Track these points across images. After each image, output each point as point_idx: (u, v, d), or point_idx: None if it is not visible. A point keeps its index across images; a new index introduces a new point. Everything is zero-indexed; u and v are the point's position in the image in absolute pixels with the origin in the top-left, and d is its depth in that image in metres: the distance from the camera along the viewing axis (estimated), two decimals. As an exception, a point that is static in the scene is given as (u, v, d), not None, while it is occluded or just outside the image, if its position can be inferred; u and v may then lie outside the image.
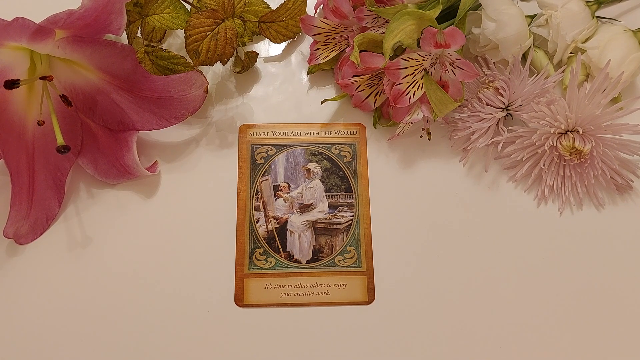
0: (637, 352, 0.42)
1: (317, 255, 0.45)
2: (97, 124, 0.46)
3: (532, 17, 0.51)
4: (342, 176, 0.47)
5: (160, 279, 0.43)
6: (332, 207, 0.46)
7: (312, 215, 0.46)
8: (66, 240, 0.45)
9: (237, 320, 0.42)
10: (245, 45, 0.52)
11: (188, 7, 0.47)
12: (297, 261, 0.44)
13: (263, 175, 0.47)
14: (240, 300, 0.43)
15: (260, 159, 0.48)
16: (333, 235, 0.45)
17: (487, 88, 0.47)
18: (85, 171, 0.46)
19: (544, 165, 0.46)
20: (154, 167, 0.46)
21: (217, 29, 0.44)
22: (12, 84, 0.40)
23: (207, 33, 0.44)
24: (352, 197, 0.46)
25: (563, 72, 0.48)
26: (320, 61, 0.48)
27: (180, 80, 0.43)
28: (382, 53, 0.43)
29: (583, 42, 0.49)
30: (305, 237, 0.45)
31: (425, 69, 0.45)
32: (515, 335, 0.42)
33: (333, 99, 0.48)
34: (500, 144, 0.47)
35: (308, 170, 0.47)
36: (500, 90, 0.46)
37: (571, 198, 0.46)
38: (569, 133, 0.45)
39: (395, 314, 0.43)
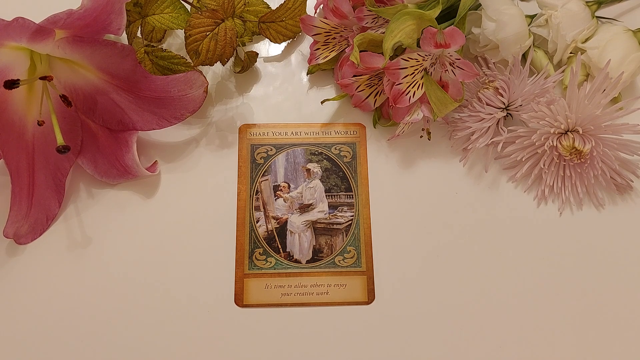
0: (637, 352, 0.42)
1: (317, 255, 0.45)
2: (97, 124, 0.46)
3: (532, 17, 0.51)
4: (342, 176, 0.47)
5: (160, 279, 0.43)
6: (332, 207, 0.46)
7: (312, 215, 0.46)
8: (66, 240, 0.45)
9: (237, 320, 0.42)
10: (245, 45, 0.52)
11: (188, 7, 0.47)
12: (297, 261, 0.44)
13: (263, 175, 0.47)
14: (240, 300, 0.43)
15: (260, 159, 0.48)
16: (333, 235, 0.45)
17: (487, 88, 0.47)
18: (85, 171, 0.46)
19: (544, 165, 0.46)
20: (154, 167, 0.46)
21: (217, 29, 0.44)
22: (12, 84, 0.40)
23: (207, 33, 0.44)
24: (352, 197, 0.46)
25: (563, 72, 0.48)
26: (320, 61, 0.48)
27: (180, 80, 0.43)
28: (382, 53, 0.43)
29: (583, 42, 0.49)
30: (305, 237, 0.45)
31: (425, 69, 0.45)
32: (515, 335, 0.42)
33: (333, 99, 0.48)
34: (500, 144, 0.47)
35: (308, 170, 0.47)
36: (500, 90, 0.46)
37: (571, 198, 0.46)
38: (569, 133, 0.45)
39: (395, 314, 0.43)
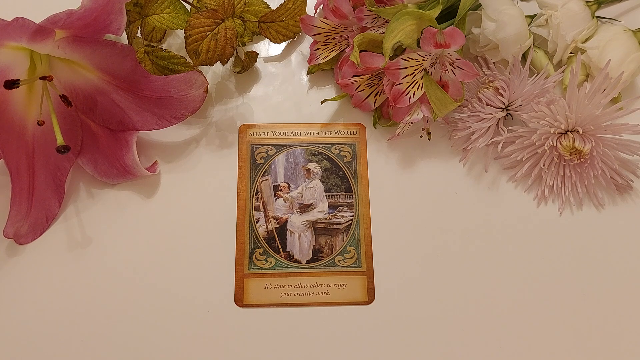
0: (637, 352, 0.42)
1: (317, 255, 0.45)
2: (97, 124, 0.46)
3: (532, 17, 0.51)
4: (342, 176, 0.47)
5: (160, 279, 0.43)
6: (332, 207, 0.46)
7: (312, 215, 0.46)
8: (66, 240, 0.45)
9: (237, 320, 0.42)
10: (245, 45, 0.52)
11: (188, 7, 0.47)
12: (297, 261, 0.44)
13: (263, 175, 0.47)
14: (240, 300, 0.43)
15: (260, 159, 0.48)
16: (333, 235, 0.45)
17: (487, 88, 0.47)
18: (85, 171, 0.46)
19: (544, 165, 0.46)
20: (154, 167, 0.46)
21: (217, 29, 0.44)
22: (12, 84, 0.40)
23: (207, 33, 0.44)
24: (352, 197, 0.46)
25: (563, 72, 0.48)
26: (320, 61, 0.48)
27: (180, 80, 0.43)
28: (382, 53, 0.43)
29: (583, 42, 0.49)
30: (305, 237, 0.45)
31: (425, 69, 0.45)
32: (514, 334, 0.42)
33: (333, 99, 0.48)
34: (500, 144, 0.47)
35: (308, 170, 0.47)
36: (500, 90, 0.46)
37: (571, 198, 0.46)
38: (569, 133, 0.45)
39: (395, 314, 0.43)
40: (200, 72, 0.43)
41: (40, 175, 0.45)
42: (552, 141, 0.45)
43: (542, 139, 0.45)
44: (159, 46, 0.51)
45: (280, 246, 0.45)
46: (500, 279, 0.44)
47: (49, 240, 0.45)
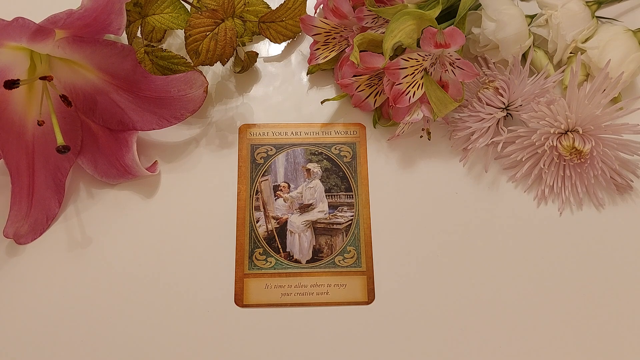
0: (637, 352, 0.42)
1: (317, 255, 0.45)
2: (97, 124, 0.46)
3: (532, 17, 0.51)
4: (342, 176, 0.47)
5: (160, 279, 0.43)
6: (332, 207, 0.46)
7: (312, 215, 0.46)
8: (66, 240, 0.45)
9: (237, 320, 0.42)
10: (245, 45, 0.52)
11: (188, 7, 0.47)
12: (297, 261, 0.44)
13: (263, 175, 0.47)
14: (240, 300, 0.43)
15: (260, 159, 0.48)
16: (333, 235, 0.45)
17: (487, 88, 0.47)
18: (85, 171, 0.46)
19: (544, 165, 0.46)
20: (154, 167, 0.46)
21: (217, 29, 0.44)
22: (12, 84, 0.40)
23: (207, 33, 0.44)
24: (352, 197, 0.46)
25: (563, 72, 0.48)
26: (320, 61, 0.48)
27: (180, 80, 0.43)
28: (382, 53, 0.43)
29: (583, 42, 0.49)
30: (305, 237, 0.45)
31: (425, 69, 0.45)
32: (515, 335, 0.42)
33: (333, 99, 0.48)
34: (500, 144, 0.47)
35: (308, 170, 0.47)
36: (500, 90, 0.46)
37: (571, 198, 0.46)
38: (568, 133, 0.45)
39: (395, 314, 0.43)
40: (200, 72, 0.43)
41: (40, 175, 0.45)
42: (552, 141, 0.45)
43: (542, 139, 0.45)
44: (159, 46, 0.51)
45: (280, 246, 0.45)
46: (500, 279, 0.44)
47: (49, 240, 0.45)
